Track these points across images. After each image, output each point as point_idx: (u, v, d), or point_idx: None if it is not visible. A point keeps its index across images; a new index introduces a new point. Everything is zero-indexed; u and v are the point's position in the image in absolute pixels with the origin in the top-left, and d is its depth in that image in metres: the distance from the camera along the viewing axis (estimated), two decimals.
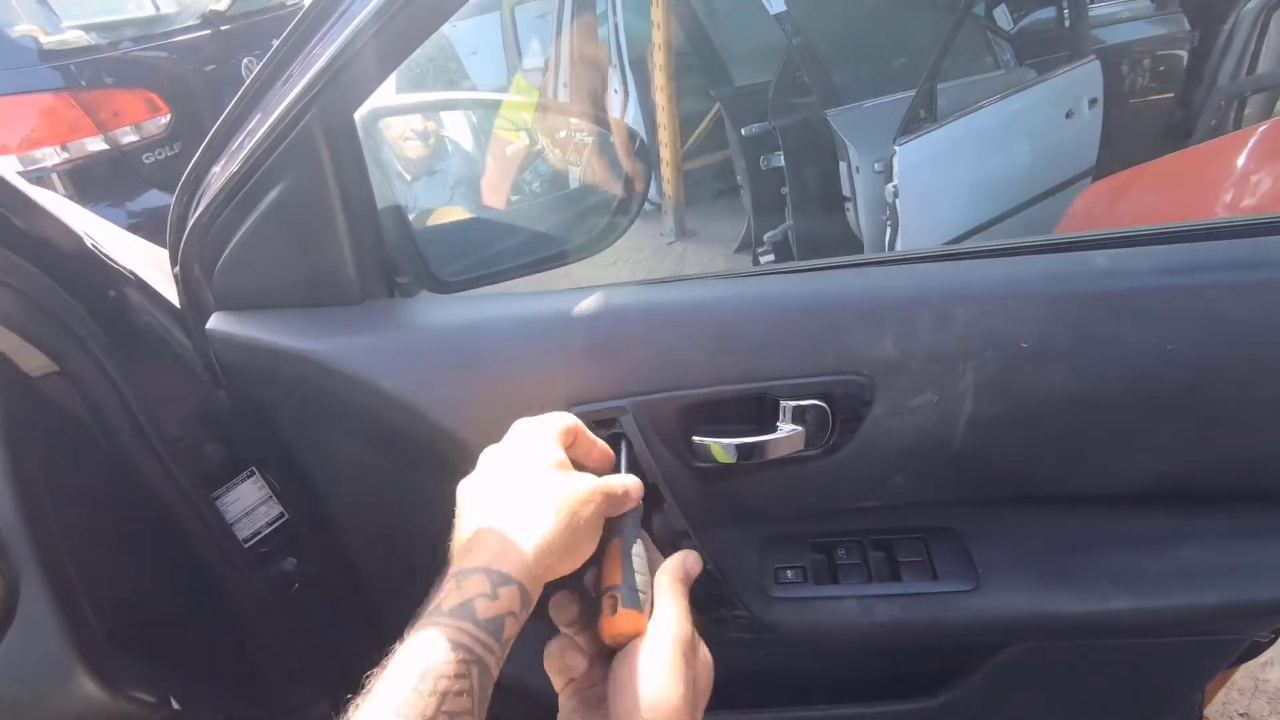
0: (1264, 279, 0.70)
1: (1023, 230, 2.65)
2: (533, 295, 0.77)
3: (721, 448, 0.75)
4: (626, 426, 0.72)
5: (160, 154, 2.95)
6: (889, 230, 2.54)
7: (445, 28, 0.79)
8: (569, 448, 0.58)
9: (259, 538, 0.89)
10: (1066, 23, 3.21)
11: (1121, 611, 0.78)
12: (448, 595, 0.46)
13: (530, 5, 4.67)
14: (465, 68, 4.61)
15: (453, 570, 0.48)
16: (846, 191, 2.82)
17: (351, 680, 0.44)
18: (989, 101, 2.56)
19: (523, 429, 0.59)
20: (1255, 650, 0.98)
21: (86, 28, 2.85)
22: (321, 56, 0.68)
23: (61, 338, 0.73)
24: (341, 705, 0.42)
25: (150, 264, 0.85)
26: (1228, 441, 0.76)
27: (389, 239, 0.81)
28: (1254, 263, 0.71)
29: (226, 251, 0.75)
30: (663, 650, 0.50)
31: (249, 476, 0.88)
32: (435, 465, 0.71)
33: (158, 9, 3.25)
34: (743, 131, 3.10)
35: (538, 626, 0.57)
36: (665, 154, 3.84)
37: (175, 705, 0.74)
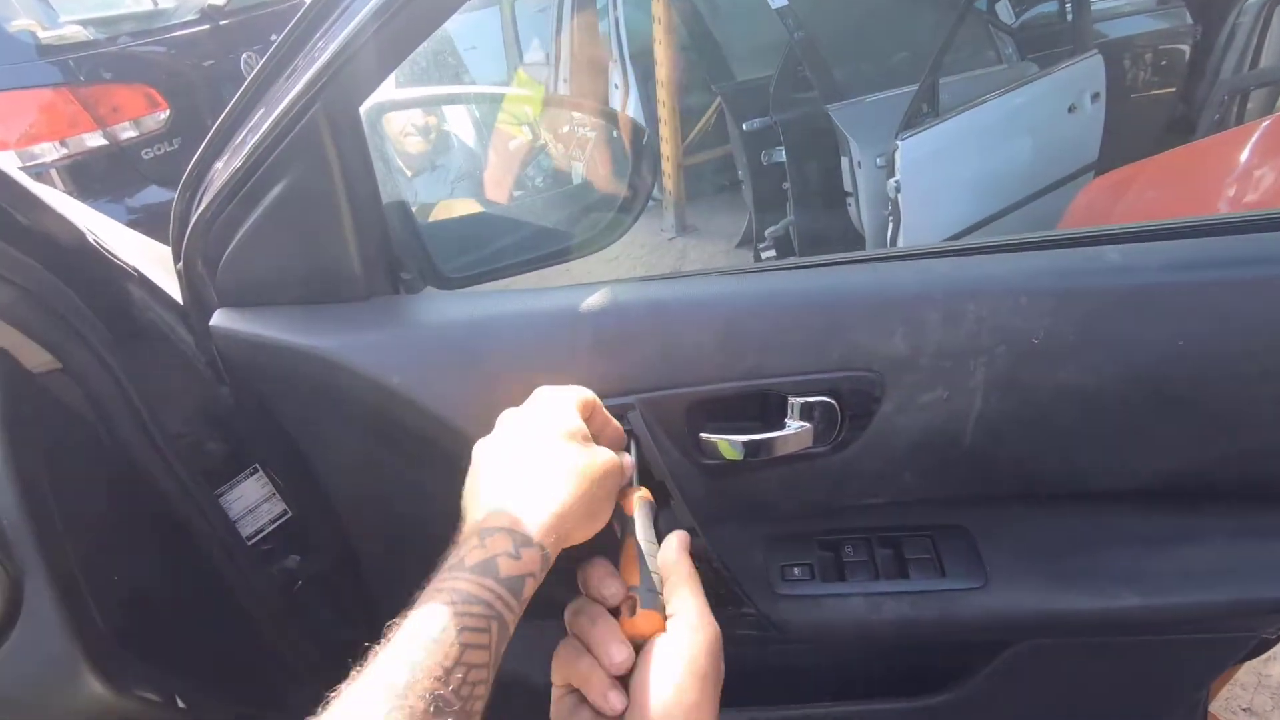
0: (1273, 275, 0.70)
1: (1025, 225, 2.64)
2: (537, 292, 0.76)
3: (729, 445, 0.74)
4: (635, 423, 0.72)
5: (159, 149, 2.93)
6: (891, 225, 2.54)
7: None
8: (586, 420, 0.59)
9: (262, 535, 0.88)
10: (1069, 17, 3.20)
11: (1130, 609, 0.78)
12: (471, 551, 0.46)
13: (530, 0, 4.64)
14: (464, 63, 4.59)
15: (473, 528, 0.48)
16: (848, 186, 2.81)
17: None
18: (991, 96, 2.55)
19: (545, 396, 0.60)
20: (1262, 647, 0.98)
21: (85, 23, 2.83)
22: (326, 50, 0.68)
23: (64, 334, 0.73)
24: (361, 653, 0.42)
25: (153, 260, 0.85)
26: (1236, 439, 0.76)
27: (394, 235, 0.80)
28: (1263, 258, 0.71)
29: (230, 248, 0.74)
30: (687, 650, 0.50)
31: (252, 474, 0.87)
32: (440, 462, 0.70)
33: (156, 4, 3.23)
34: (744, 126, 3.10)
35: (537, 626, 0.56)
36: (666, 149, 3.83)
37: (181, 705, 0.73)
